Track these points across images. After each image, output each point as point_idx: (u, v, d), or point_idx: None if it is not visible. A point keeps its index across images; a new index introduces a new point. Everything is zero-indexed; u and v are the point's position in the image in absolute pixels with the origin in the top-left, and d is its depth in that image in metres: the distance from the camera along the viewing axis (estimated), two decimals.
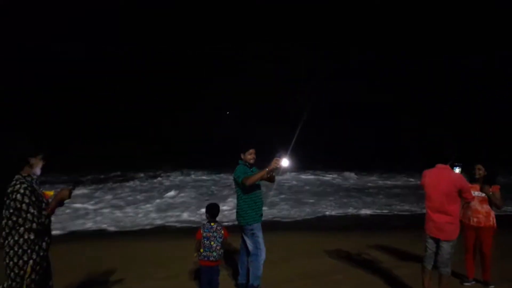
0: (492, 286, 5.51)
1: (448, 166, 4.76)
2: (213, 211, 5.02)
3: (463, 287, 5.60)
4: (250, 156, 5.06)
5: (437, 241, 4.70)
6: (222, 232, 4.96)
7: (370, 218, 10.97)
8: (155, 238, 8.47)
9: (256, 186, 5.03)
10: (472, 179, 5.52)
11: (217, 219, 5.06)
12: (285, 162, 4.77)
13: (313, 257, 6.98)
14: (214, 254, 4.90)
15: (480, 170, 5.50)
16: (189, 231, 8.19)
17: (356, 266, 6.48)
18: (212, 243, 4.91)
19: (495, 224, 5.49)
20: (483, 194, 5.43)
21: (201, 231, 4.94)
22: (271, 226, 9.12)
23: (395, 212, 11.50)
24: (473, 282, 5.64)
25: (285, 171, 4.96)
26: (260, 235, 5.04)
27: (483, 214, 5.46)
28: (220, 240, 4.93)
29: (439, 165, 4.76)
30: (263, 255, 5.04)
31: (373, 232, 9.15)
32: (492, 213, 5.48)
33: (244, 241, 5.15)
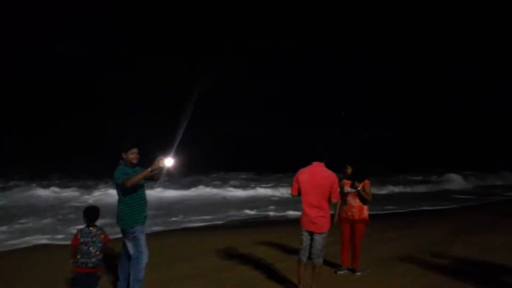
0: (359, 273, 6.08)
1: (323, 164, 5.16)
2: (91, 214, 4.72)
3: (336, 276, 6.11)
4: (132, 155, 4.87)
5: (311, 234, 5.08)
6: (102, 236, 4.70)
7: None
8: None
9: (139, 187, 4.87)
10: (344, 177, 6.11)
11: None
12: (168, 162, 4.70)
13: (199, 257, 7.01)
14: (93, 260, 4.61)
15: (347, 169, 6.10)
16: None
17: (241, 263, 6.67)
18: (90, 248, 4.62)
19: (368, 217, 6.06)
20: (354, 190, 5.99)
21: (78, 236, 4.62)
22: (155, 231, 8.96)
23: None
24: (346, 271, 6.18)
25: (170, 171, 4.84)
26: (142, 238, 4.89)
27: (357, 208, 5.99)
28: (100, 245, 4.67)
29: (315, 163, 5.14)
30: (145, 258, 4.90)
31: (257, 229, 9.55)
32: (365, 207, 6.03)
33: (125, 245, 4.95)
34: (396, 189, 16.32)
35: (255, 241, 7.98)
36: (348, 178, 6.06)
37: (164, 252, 7.06)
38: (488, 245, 7.70)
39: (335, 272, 6.17)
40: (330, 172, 5.06)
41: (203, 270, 6.31)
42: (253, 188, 15.89)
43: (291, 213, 11.64)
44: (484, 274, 6.06)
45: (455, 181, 17.29)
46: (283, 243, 7.76)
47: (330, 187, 4.96)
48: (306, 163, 5.22)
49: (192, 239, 8.48)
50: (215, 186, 15.98)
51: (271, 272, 6.15)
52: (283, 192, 14.96)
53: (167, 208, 12.13)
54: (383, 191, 15.96)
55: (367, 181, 5.98)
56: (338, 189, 5.13)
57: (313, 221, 5.00)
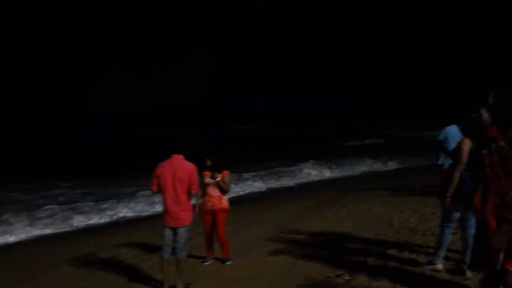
0: (229, 262, 6.12)
1: (182, 157, 5.04)
2: None
3: (203, 267, 6.07)
4: None
5: (173, 229, 4.93)
6: None
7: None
8: None
9: None
10: (205, 168, 6.09)
11: None
12: None
13: (50, 270, 6.30)
14: None
15: (208, 162, 6.10)
16: None
17: (101, 269, 6.19)
18: None
19: (228, 206, 6.13)
20: (214, 180, 6.00)
21: None
22: None
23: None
24: (212, 260, 6.18)
25: None
26: None
27: (216, 198, 6.01)
28: None
29: (175, 156, 4.99)
30: None
31: (117, 230, 9.00)
32: (224, 197, 6.09)
33: None
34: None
35: (116, 244, 7.47)
36: (208, 169, 6.06)
37: (3, 271, 6.12)
38: (337, 218, 8.58)
39: (202, 263, 6.13)
40: (189, 164, 5.01)
41: (57, 284, 5.67)
42: None
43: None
44: (335, 243, 6.69)
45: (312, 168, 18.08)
46: (146, 242, 7.41)
47: (190, 179, 4.89)
48: (166, 157, 5.05)
49: (36, 251, 7.55)
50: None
51: (134, 274, 5.84)
52: None
53: None
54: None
55: (226, 172, 6.05)
56: (198, 181, 5.09)
57: (174, 216, 4.87)
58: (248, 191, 13.42)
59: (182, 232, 4.93)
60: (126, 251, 7.03)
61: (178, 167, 4.91)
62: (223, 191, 6.05)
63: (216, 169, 6.02)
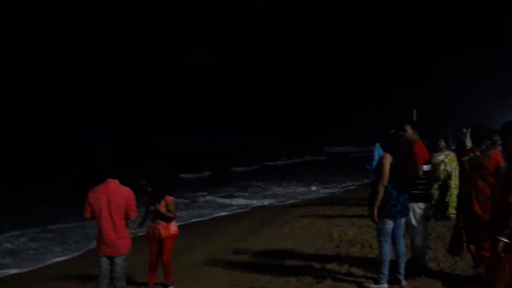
0: (171, 287, 5.85)
1: (117, 181, 4.81)
2: None
3: None
4: None
5: (110, 258, 4.68)
6: None
7: None
8: None
9: None
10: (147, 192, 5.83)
11: None
12: None
13: None
14: None
15: (147, 187, 5.81)
16: None
17: None
18: None
19: (176, 231, 5.82)
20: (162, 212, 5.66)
21: None
22: None
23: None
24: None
25: None
26: None
27: (164, 225, 5.69)
28: None
29: (110, 180, 4.75)
30: None
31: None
32: (173, 222, 5.77)
33: None
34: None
35: (50, 277, 6.94)
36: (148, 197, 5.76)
37: None
38: (279, 235, 8.66)
39: None
40: (125, 189, 4.77)
41: None
42: None
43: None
44: (277, 261, 6.71)
45: None
46: (81, 273, 6.96)
47: (127, 205, 4.67)
48: (99, 181, 4.81)
49: None
50: None
51: None
52: None
53: None
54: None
55: (169, 198, 5.71)
56: (136, 206, 4.86)
57: (111, 244, 4.63)
58: (189, 215, 13.05)
59: (119, 261, 4.68)
60: (59, 285, 6.55)
61: (114, 192, 4.67)
62: (169, 219, 5.73)
63: (156, 197, 5.69)
